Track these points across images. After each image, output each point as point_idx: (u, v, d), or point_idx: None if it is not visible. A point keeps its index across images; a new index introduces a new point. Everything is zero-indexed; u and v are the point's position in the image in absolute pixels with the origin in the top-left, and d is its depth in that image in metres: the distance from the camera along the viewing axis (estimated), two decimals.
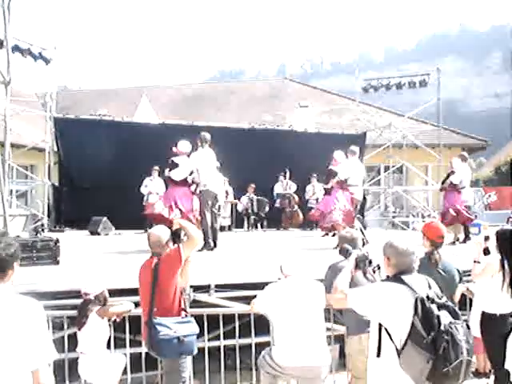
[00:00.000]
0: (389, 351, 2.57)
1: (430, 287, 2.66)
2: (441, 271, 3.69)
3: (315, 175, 12.68)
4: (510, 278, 3.74)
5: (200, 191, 7.60)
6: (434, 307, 2.51)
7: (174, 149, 7.68)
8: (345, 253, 3.44)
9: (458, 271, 3.94)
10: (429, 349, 2.43)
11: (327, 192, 8.67)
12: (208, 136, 7.78)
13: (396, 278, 2.68)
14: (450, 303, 2.63)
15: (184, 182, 7.64)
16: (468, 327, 2.58)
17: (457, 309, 2.66)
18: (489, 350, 3.94)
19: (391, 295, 2.60)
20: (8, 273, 2.20)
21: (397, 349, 2.53)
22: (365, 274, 2.98)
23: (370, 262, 2.89)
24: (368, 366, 2.80)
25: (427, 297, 2.54)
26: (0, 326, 2.06)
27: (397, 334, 2.54)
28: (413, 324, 2.48)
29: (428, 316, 2.48)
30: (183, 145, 7.71)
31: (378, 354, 2.61)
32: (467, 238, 8.65)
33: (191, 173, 7.62)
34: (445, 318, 2.49)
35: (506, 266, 3.75)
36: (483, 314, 3.93)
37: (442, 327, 2.45)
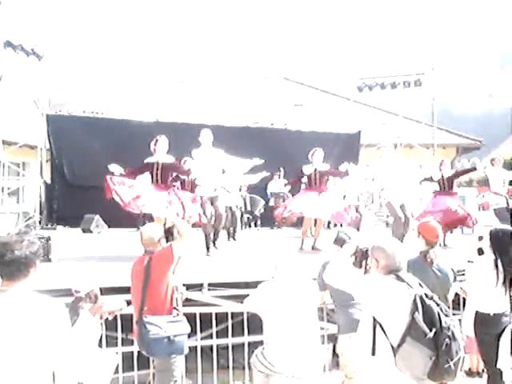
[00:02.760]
0: (383, 349, 2.55)
1: (421, 286, 2.66)
2: (435, 271, 3.68)
3: None
4: (503, 277, 3.74)
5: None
6: (433, 304, 2.51)
7: (152, 146, 7.01)
8: (341, 242, 3.42)
9: (453, 270, 3.94)
10: (430, 345, 2.43)
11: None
12: (208, 134, 7.35)
13: (393, 274, 2.67)
14: (441, 302, 2.63)
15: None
16: (460, 326, 2.59)
17: (447, 308, 2.67)
18: (482, 350, 3.93)
19: (389, 290, 2.59)
20: (30, 271, 2.22)
21: (392, 346, 2.52)
22: (361, 267, 2.95)
23: (367, 258, 2.87)
24: (358, 364, 2.78)
25: (425, 294, 2.54)
26: (21, 324, 2.05)
27: (393, 331, 2.52)
28: (413, 320, 2.47)
29: (429, 312, 2.48)
30: (162, 142, 7.00)
31: (373, 353, 2.59)
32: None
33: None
34: (443, 315, 2.50)
35: (500, 266, 3.76)
36: (477, 313, 3.92)
37: (444, 323, 2.45)
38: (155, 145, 6.96)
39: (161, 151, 6.91)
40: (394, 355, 2.50)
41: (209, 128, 10.34)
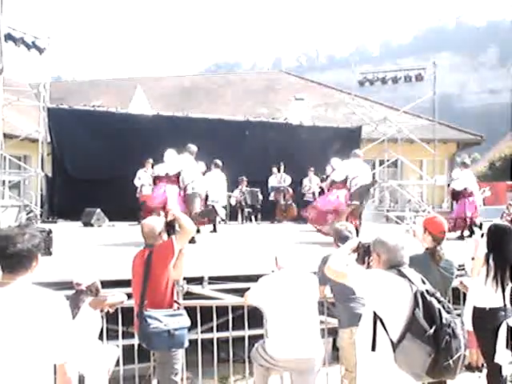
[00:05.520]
0: (383, 344, 2.55)
1: (423, 282, 2.64)
2: (440, 268, 3.58)
3: (312, 169, 12.66)
4: (494, 272, 3.75)
5: (187, 194, 7.60)
6: (434, 301, 2.49)
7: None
8: (344, 239, 3.42)
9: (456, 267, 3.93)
10: (429, 342, 2.40)
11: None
12: (195, 149, 7.79)
13: (395, 269, 2.66)
14: (443, 299, 2.62)
15: (174, 179, 7.61)
16: (462, 322, 2.56)
17: (450, 304, 2.65)
18: (481, 344, 3.95)
19: (391, 285, 2.57)
20: (32, 264, 2.20)
21: (392, 342, 2.51)
22: (363, 263, 2.95)
23: (370, 253, 2.86)
24: (358, 359, 2.78)
25: (427, 290, 2.52)
26: (23, 318, 2.05)
27: (393, 327, 2.51)
28: (414, 316, 2.45)
29: (429, 309, 2.46)
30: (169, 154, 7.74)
31: (373, 348, 2.58)
32: (472, 233, 8.91)
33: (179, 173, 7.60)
34: (444, 311, 2.48)
35: (491, 261, 3.76)
36: (474, 308, 3.94)
37: (444, 320, 2.43)
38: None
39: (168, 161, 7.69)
40: (394, 351, 2.49)
41: (209, 121, 10.40)
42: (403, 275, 2.60)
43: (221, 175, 9.83)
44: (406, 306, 2.49)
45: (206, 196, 9.00)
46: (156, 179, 7.99)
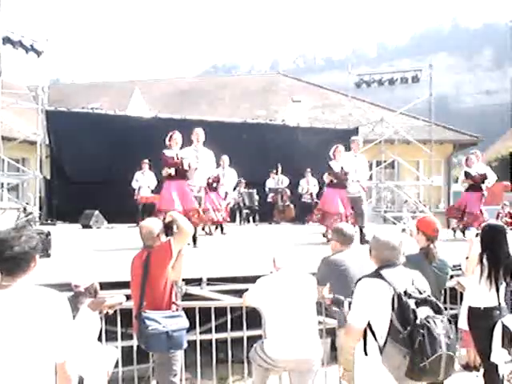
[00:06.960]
0: (373, 349, 2.58)
1: (412, 282, 2.65)
2: (434, 267, 3.62)
3: (309, 170, 12.71)
4: (487, 271, 3.78)
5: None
6: (411, 302, 2.49)
7: (167, 141, 7.24)
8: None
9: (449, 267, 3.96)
10: (405, 344, 2.42)
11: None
12: (202, 133, 7.56)
13: (376, 273, 2.69)
14: (432, 298, 2.62)
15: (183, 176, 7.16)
16: (450, 322, 2.55)
17: (440, 304, 2.65)
18: (477, 344, 3.98)
19: (372, 292, 2.61)
20: (30, 266, 2.22)
21: (379, 346, 2.54)
22: None
23: None
24: (354, 363, 2.81)
25: (405, 292, 2.52)
26: (25, 318, 2.07)
27: (379, 332, 2.54)
28: (391, 319, 2.48)
29: (403, 310, 2.47)
30: (178, 137, 7.30)
31: (366, 353, 2.62)
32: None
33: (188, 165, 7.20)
34: (422, 312, 2.47)
35: (485, 260, 3.80)
36: (469, 308, 3.97)
37: (418, 321, 2.43)
38: (170, 140, 7.18)
39: (177, 146, 7.22)
40: (381, 354, 2.53)
41: (207, 123, 10.39)
42: (383, 278, 2.61)
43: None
44: (387, 310, 2.53)
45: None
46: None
